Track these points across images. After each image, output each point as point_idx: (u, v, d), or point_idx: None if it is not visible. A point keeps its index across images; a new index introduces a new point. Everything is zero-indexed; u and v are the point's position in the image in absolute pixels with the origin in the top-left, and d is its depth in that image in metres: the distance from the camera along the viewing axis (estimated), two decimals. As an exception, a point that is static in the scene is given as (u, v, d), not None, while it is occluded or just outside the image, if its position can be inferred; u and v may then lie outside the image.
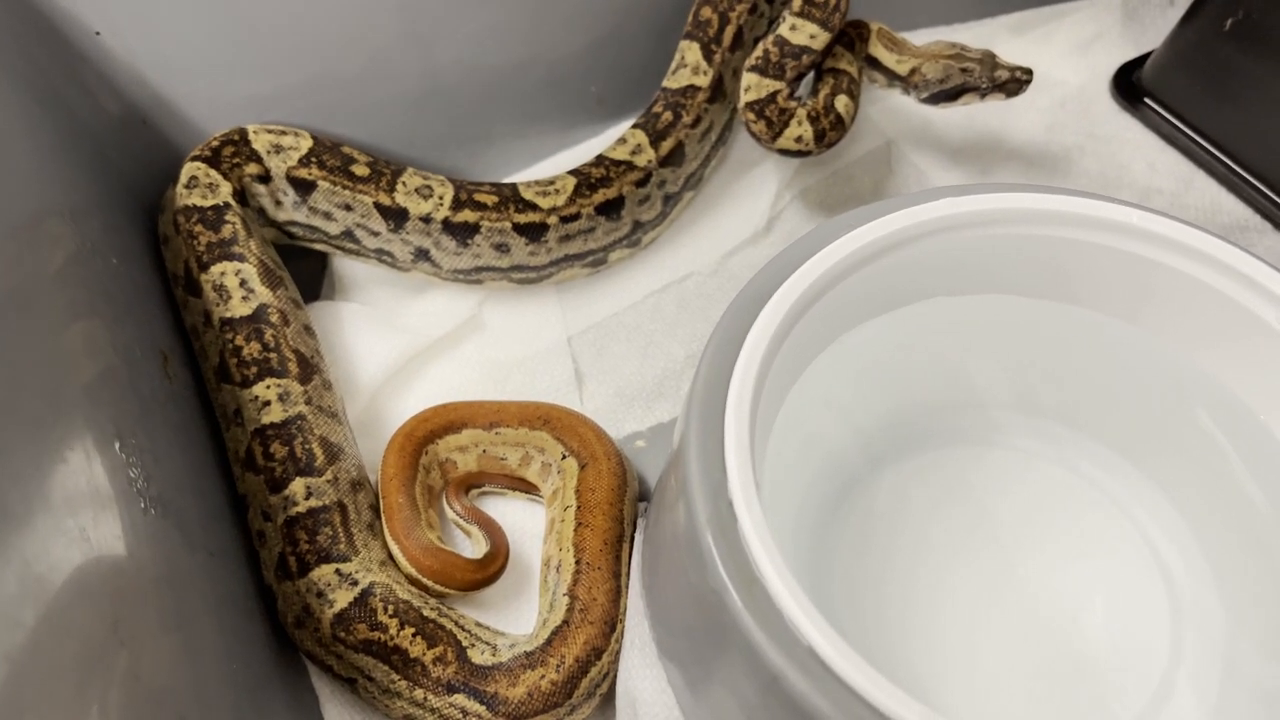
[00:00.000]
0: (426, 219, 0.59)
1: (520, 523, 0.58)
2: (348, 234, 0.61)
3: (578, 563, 0.52)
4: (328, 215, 0.60)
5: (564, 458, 0.57)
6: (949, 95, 0.62)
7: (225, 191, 0.58)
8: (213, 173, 0.58)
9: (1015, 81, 0.61)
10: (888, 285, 0.49)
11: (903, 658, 0.50)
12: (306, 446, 0.54)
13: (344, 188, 0.59)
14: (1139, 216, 0.47)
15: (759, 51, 0.63)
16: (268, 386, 0.55)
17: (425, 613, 0.51)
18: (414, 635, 0.50)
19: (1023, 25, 0.78)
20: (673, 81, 0.65)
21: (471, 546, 0.57)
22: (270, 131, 0.60)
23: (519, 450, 0.59)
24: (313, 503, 0.53)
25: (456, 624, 0.51)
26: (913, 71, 0.63)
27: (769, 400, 0.44)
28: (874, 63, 0.65)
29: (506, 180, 0.67)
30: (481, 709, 0.49)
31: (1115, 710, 0.49)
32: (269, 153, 0.59)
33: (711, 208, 0.69)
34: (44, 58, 0.53)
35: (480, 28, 0.63)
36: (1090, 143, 0.72)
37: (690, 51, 0.65)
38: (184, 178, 0.58)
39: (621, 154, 0.63)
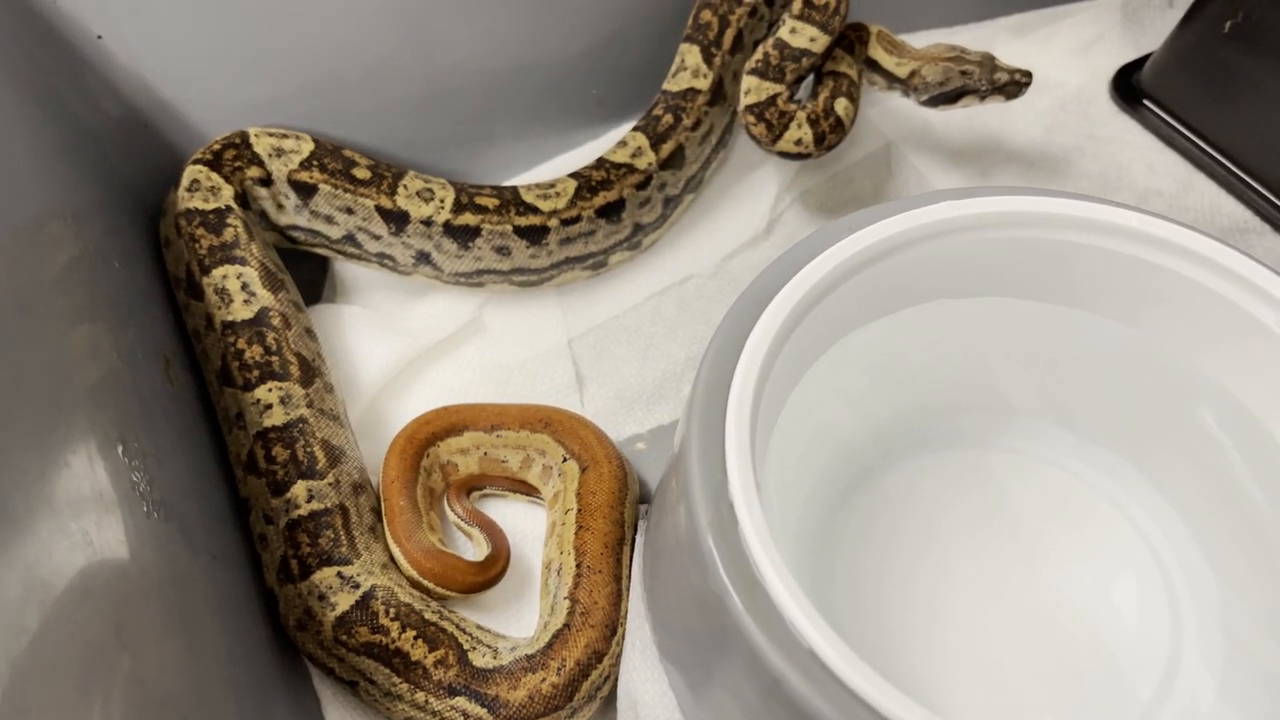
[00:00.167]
0: (427, 222, 0.59)
1: (521, 525, 0.59)
2: (349, 238, 0.61)
3: (579, 566, 0.52)
4: (329, 219, 0.60)
5: (565, 460, 0.57)
6: (949, 98, 0.62)
7: (227, 195, 0.58)
8: (214, 176, 0.58)
9: (1015, 84, 0.61)
10: (888, 288, 0.49)
11: (904, 659, 0.51)
12: (308, 449, 0.54)
13: (345, 191, 0.59)
14: (1138, 219, 0.47)
15: (759, 54, 0.63)
16: (269, 390, 0.55)
17: (426, 615, 0.51)
18: (415, 638, 0.50)
19: (1022, 27, 0.78)
20: (673, 84, 0.65)
21: (473, 549, 0.57)
22: (272, 135, 0.60)
23: (520, 453, 0.59)
24: (314, 506, 0.53)
25: (458, 627, 0.51)
26: (912, 74, 0.63)
27: (770, 403, 0.44)
28: (874, 65, 0.65)
29: (507, 183, 0.68)
30: (483, 712, 0.49)
31: (1117, 711, 0.49)
32: (270, 156, 0.59)
33: (712, 210, 0.69)
34: (46, 61, 0.53)
35: (481, 31, 0.63)
36: (1090, 144, 0.72)
37: (690, 54, 0.65)
38: (185, 181, 0.58)
39: (622, 157, 0.63)
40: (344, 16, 0.59)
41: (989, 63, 0.61)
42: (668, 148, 0.63)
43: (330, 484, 0.54)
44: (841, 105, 0.63)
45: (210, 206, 0.58)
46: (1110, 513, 0.54)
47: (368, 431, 0.60)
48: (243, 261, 0.57)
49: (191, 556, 0.45)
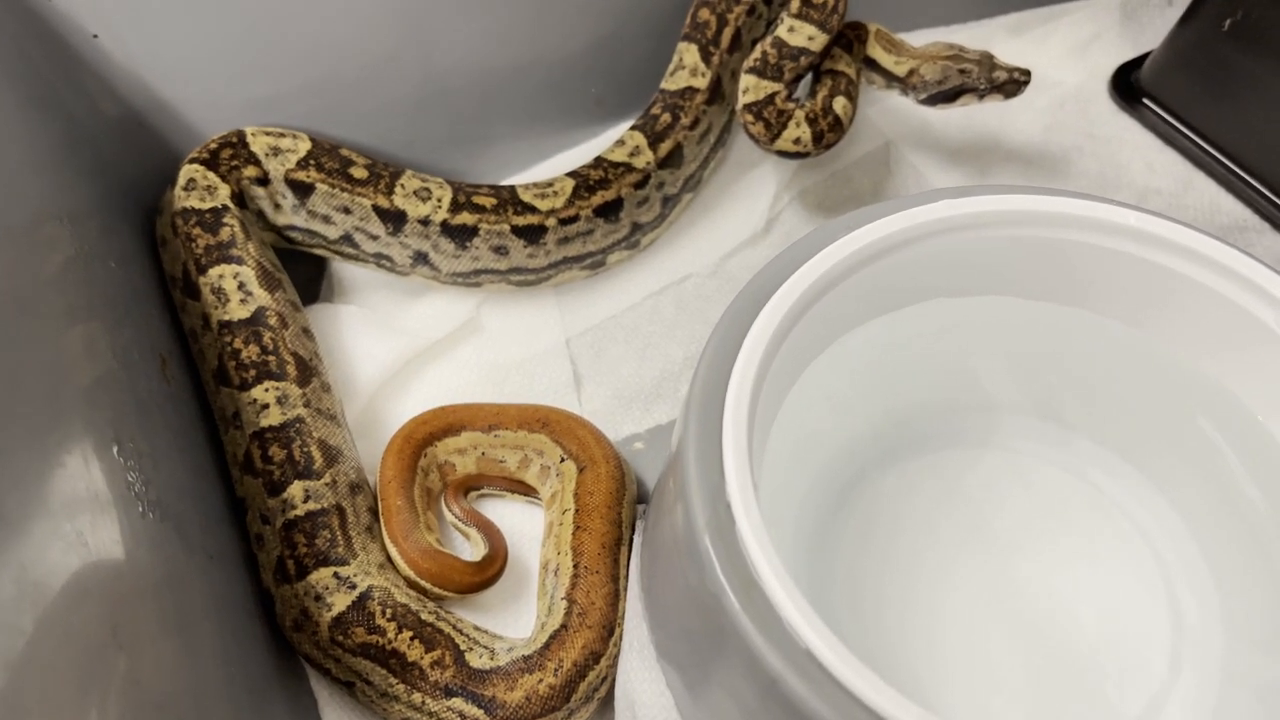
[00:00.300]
0: (425, 221, 0.59)
1: (519, 525, 0.58)
2: (347, 238, 0.61)
3: (576, 566, 0.52)
4: (326, 219, 0.60)
5: (563, 460, 0.57)
6: (947, 96, 0.62)
7: (223, 194, 0.58)
8: (211, 175, 0.58)
9: (1013, 82, 0.61)
10: (887, 287, 0.49)
11: (902, 659, 0.50)
12: (305, 449, 0.54)
13: (342, 190, 0.59)
14: (1137, 218, 0.47)
15: (757, 53, 0.63)
16: (266, 389, 0.55)
17: (423, 616, 0.51)
18: (412, 639, 0.50)
19: (1021, 26, 0.77)
20: (671, 83, 0.65)
21: (470, 549, 0.57)
22: (268, 134, 0.60)
23: (518, 453, 0.59)
24: (311, 506, 0.53)
25: (454, 627, 0.51)
26: (911, 73, 0.63)
27: (768, 402, 0.44)
28: (872, 64, 0.64)
29: (505, 182, 0.67)
30: (479, 713, 0.49)
31: (1115, 711, 0.49)
32: (267, 155, 0.59)
33: (710, 209, 0.69)
34: (41, 61, 0.53)
35: (480, 30, 0.63)
36: (1089, 143, 0.72)
37: (688, 53, 0.65)
38: (182, 180, 0.58)
39: (620, 156, 0.63)
40: (342, 15, 0.59)
41: (987, 61, 0.61)
42: (666, 147, 0.63)
43: (327, 484, 0.53)
44: (840, 104, 0.63)
45: (207, 206, 0.58)
46: (1110, 513, 0.54)
47: (365, 431, 0.60)
48: (239, 261, 0.57)
49: (188, 557, 0.45)
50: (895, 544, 0.54)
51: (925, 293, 0.51)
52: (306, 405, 0.55)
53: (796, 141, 0.63)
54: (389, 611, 0.50)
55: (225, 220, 0.58)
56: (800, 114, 0.62)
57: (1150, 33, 0.76)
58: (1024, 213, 0.47)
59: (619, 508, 0.55)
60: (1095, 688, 0.50)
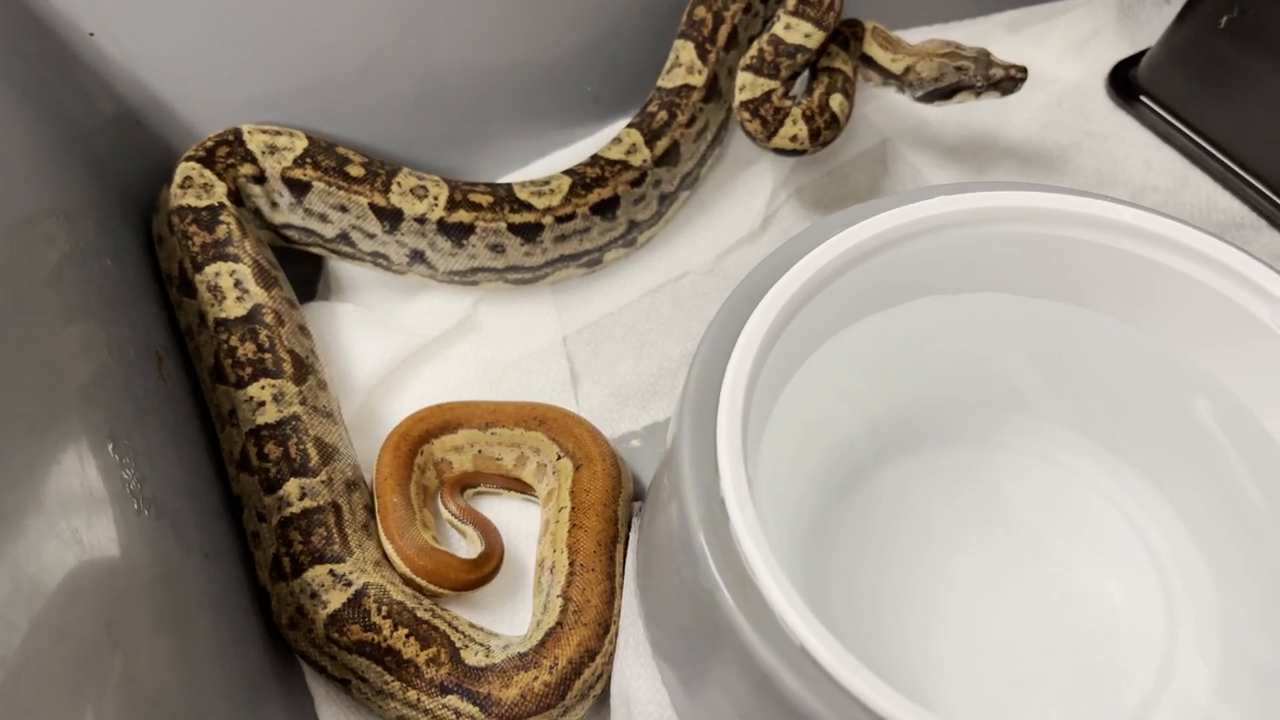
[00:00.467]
0: (421, 219, 0.59)
1: (515, 523, 0.58)
2: (343, 237, 0.61)
3: (572, 564, 0.52)
4: (323, 217, 0.60)
5: (559, 458, 0.57)
6: (944, 93, 0.62)
7: (220, 192, 0.58)
8: (207, 173, 0.58)
9: (1010, 80, 0.61)
10: (883, 283, 0.49)
11: (899, 656, 0.50)
12: (301, 447, 0.54)
13: (339, 188, 0.59)
14: (1134, 215, 0.46)
15: (754, 50, 0.63)
16: (262, 387, 0.55)
17: (419, 614, 0.51)
18: (407, 636, 0.50)
19: (1018, 23, 0.77)
20: (667, 81, 0.65)
21: (466, 547, 0.57)
22: (265, 132, 0.60)
23: (514, 450, 0.59)
24: (307, 503, 0.53)
25: (450, 625, 0.51)
26: (907, 70, 0.63)
27: (763, 399, 0.44)
28: (869, 61, 0.64)
29: (502, 180, 0.67)
30: (475, 710, 0.49)
31: (1113, 708, 0.49)
32: (264, 153, 0.59)
33: (707, 207, 0.69)
34: (38, 59, 0.53)
35: (477, 28, 0.63)
36: (1086, 140, 0.72)
37: (685, 51, 0.65)
38: (178, 178, 0.58)
39: (617, 153, 0.63)
40: (338, 13, 0.59)
41: (984, 58, 0.61)
42: (663, 144, 0.63)
43: (323, 481, 0.53)
44: (837, 101, 0.63)
45: (203, 203, 0.58)
46: (1107, 510, 0.54)
47: (361, 429, 0.60)
48: (235, 259, 0.57)
49: (183, 554, 0.45)
50: (892, 541, 0.54)
51: (921, 289, 0.51)
52: (303, 403, 0.55)
53: (793, 139, 0.62)
54: (385, 609, 0.50)
55: (221, 218, 0.58)
56: (797, 111, 0.62)
57: (1147, 30, 0.75)
58: (1020, 209, 0.47)
59: (615, 505, 0.55)
60: (1092, 684, 0.50)
